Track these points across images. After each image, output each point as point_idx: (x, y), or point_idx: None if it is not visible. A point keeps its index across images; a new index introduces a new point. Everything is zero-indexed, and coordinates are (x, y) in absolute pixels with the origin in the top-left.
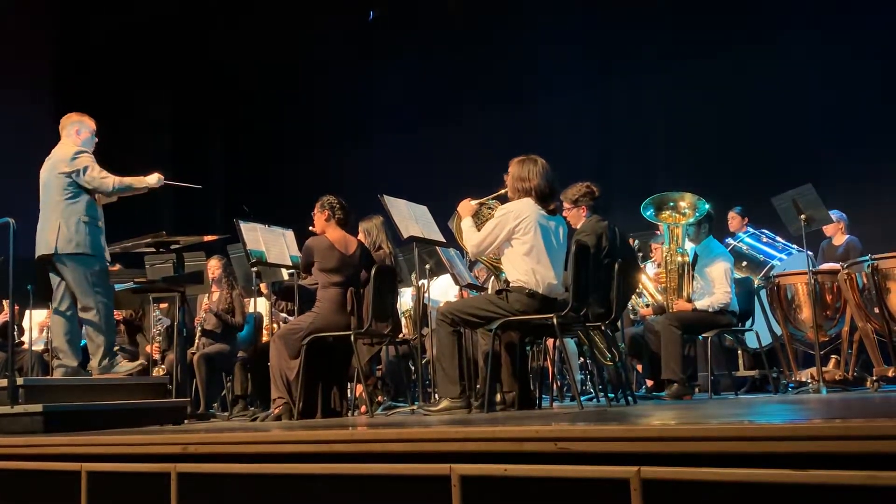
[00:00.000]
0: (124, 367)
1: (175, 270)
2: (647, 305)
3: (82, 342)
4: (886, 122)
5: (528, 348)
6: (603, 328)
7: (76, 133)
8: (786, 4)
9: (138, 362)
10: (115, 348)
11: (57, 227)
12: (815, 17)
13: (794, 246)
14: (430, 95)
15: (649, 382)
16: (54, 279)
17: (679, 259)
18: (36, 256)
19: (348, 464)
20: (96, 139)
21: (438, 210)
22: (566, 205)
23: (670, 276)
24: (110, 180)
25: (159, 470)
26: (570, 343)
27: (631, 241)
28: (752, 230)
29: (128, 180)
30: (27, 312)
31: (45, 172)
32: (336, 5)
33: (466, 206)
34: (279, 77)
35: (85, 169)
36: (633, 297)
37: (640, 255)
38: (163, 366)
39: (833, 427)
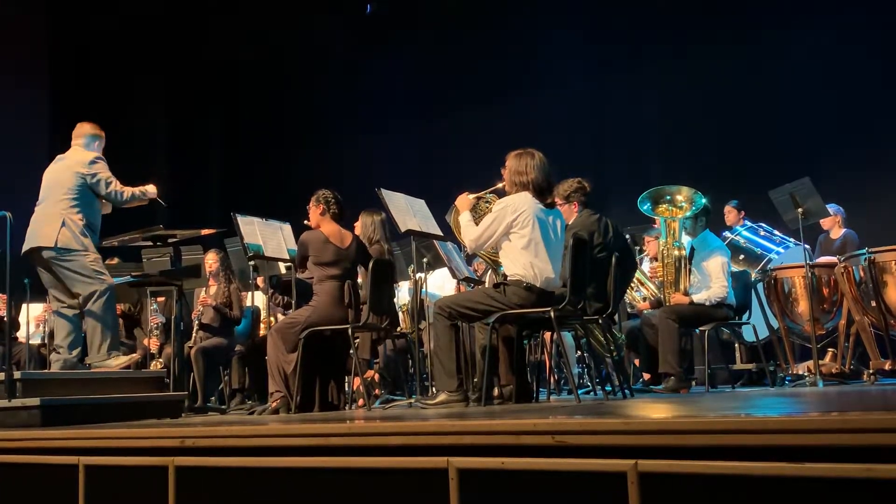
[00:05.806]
0: (119, 360)
1: (172, 264)
2: (645, 299)
3: (82, 336)
4: (883, 115)
5: (525, 342)
6: (600, 321)
7: (96, 147)
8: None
9: (134, 354)
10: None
11: (60, 222)
12: (812, 13)
13: (792, 239)
14: (427, 90)
15: (646, 376)
16: (44, 275)
17: (676, 253)
18: (27, 248)
19: (346, 457)
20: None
21: (436, 204)
22: (558, 201)
23: (667, 270)
24: (127, 192)
25: (157, 463)
26: (568, 336)
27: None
28: (749, 224)
29: (137, 191)
30: (23, 306)
31: (54, 172)
32: None
33: (464, 201)
34: (277, 70)
35: (107, 181)
36: (629, 291)
37: (637, 248)
38: (160, 359)
39: (830, 420)
